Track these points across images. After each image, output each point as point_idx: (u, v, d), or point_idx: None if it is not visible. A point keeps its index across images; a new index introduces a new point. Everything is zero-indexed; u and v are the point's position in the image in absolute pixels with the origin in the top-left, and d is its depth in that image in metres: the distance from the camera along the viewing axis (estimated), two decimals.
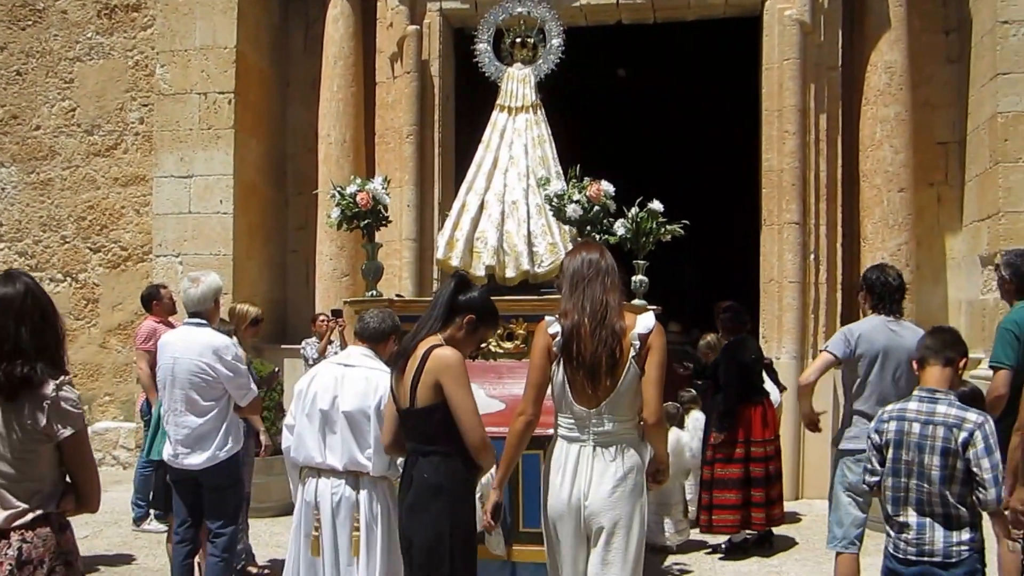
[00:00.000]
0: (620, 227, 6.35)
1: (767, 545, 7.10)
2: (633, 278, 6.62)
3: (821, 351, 5.38)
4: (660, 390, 3.68)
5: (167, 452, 5.22)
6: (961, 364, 3.79)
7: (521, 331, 6.18)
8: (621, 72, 12.16)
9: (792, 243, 8.90)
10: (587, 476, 3.65)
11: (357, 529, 4.25)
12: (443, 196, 9.64)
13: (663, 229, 6.43)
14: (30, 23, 10.99)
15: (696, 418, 7.53)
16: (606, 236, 6.24)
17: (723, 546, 7.11)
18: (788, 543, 7.24)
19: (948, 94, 9.41)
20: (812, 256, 8.96)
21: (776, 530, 7.25)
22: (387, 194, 6.53)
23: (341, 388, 4.35)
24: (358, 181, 6.56)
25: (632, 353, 3.61)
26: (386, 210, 6.55)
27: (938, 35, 9.44)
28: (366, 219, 6.46)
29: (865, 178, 9.14)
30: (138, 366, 7.92)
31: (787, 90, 8.93)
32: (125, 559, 6.90)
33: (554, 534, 3.76)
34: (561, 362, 3.67)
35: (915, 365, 3.89)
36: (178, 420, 5.10)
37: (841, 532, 5.08)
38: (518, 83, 6.89)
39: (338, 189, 6.54)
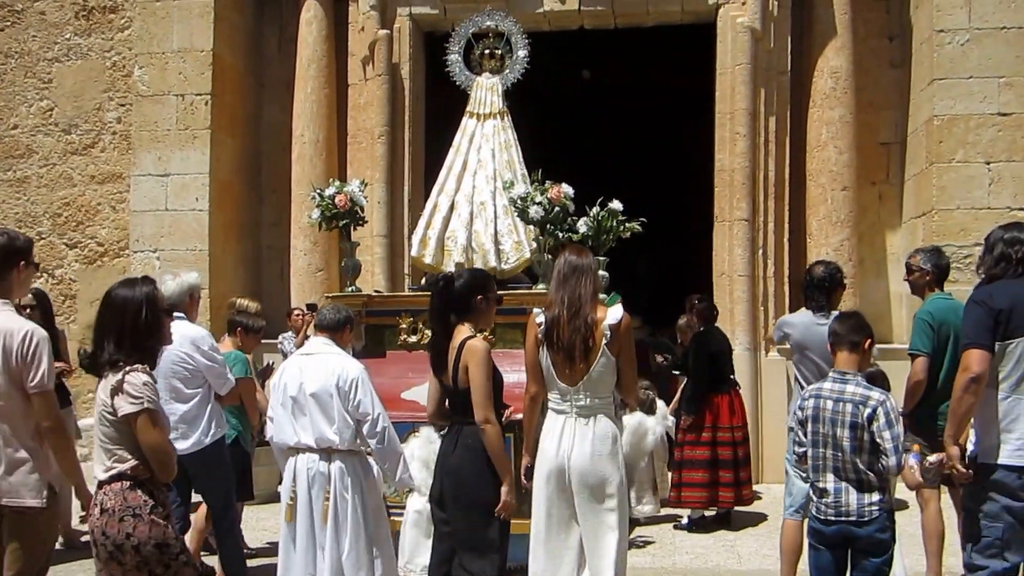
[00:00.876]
0: (583, 225, 6.81)
1: (726, 522, 7.58)
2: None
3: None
4: (633, 370, 4.38)
5: None
6: (866, 345, 4.23)
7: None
8: (586, 73, 12.58)
9: (742, 239, 9.39)
10: (570, 441, 4.24)
11: (327, 499, 4.68)
12: (413, 194, 10.05)
13: (623, 227, 6.90)
14: (8, 24, 11.24)
15: (661, 406, 7.96)
16: (568, 234, 6.69)
17: (685, 520, 7.61)
18: (746, 521, 7.72)
19: (891, 97, 9.93)
20: (761, 251, 9.46)
21: (739, 510, 7.73)
22: (364, 196, 6.96)
23: (305, 375, 4.80)
24: (336, 184, 7.00)
25: (604, 341, 4.19)
26: (362, 211, 7.01)
27: (882, 40, 9.97)
28: (344, 219, 6.92)
29: (811, 177, 9.65)
30: None
31: (739, 94, 9.41)
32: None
33: (543, 492, 4.29)
34: (545, 347, 4.26)
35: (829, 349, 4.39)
36: (165, 408, 5.39)
37: (789, 500, 5.58)
38: (486, 91, 7.45)
39: (318, 191, 6.98)
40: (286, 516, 4.75)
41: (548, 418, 4.38)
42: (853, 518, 4.05)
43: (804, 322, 5.71)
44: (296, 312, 9.28)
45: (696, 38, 10.49)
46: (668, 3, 9.84)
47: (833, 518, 4.10)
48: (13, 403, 3.83)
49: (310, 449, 4.75)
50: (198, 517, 6.01)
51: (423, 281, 7.52)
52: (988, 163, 8.93)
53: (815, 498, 4.20)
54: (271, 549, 6.49)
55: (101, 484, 3.52)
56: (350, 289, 7.10)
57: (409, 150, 10.05)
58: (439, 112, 10.88)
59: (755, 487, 8.87)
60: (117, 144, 11.02)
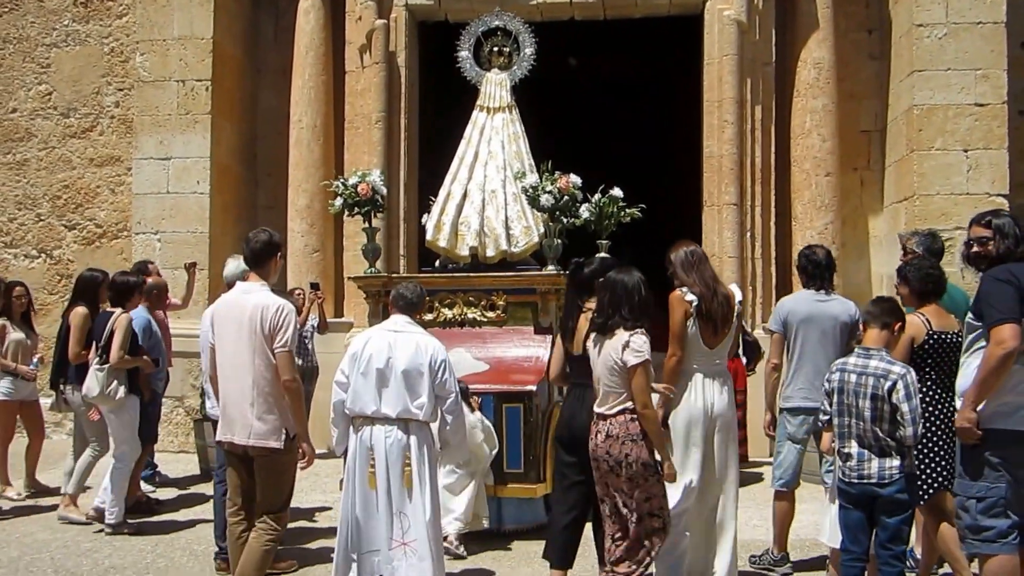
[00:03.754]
0: (585, 211, 7.11)
1: None
2: (596, 255, 7.28)
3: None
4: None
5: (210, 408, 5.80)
6: (896, 328, 4.44)
7: (501, 302, 7.00)
8: (572, 61, 12.60)
9: (731, 222, 9.45)
10: (712, 393, 4.95)
11: (408, 466, 4.92)
12: (408, 178, 10.04)
13: (623, 212, 7.17)
14: (7, 10, 11.07)
15: None
16: (572, 219, 6.97)
17: None
18: None
19: (870, 87, 10.01)
20: (748, 234, 9.52)
21: None
22: (384, 184, 7.23)
23: (394, 351, 5.00)
24: (359, 173, 7.26)
25: (736, 312, 5.05)
26: (383, 199, 7.25)
27: (861, 33, 10.05)
28: (366, 207, 7.17)
29: (795, 164, 9.72)
30: None
31: (726, 83, 9.46)
32: None
33: (686, 436, 4.91)
34: (695, 320, 4.90)
35: (860, 327, 4.50)
36: None
37: (779, 473, 5.73)
38: (495, 86, 7.70)
39: (341, 180, 7.23)
40: (369, 483, 4.90)
41: (692, 380, 4.94)
42: (874, 480, 4.27)
43: (807, 299, 5.74)
44: (298, 291, 9.23)
45: (682, 30, 10.58)
46: None
47: (856, 480, 4.34)
48: (266, 363, 4.65)
49: (388, 419, 4.94)
50: None
51: (436, 263, 7.71)
52: (966, 151, 9.03)
53: (840, 462, 4.39)
54: None
55: (606, 416, 4.52)
56: (370, 271, 7.35)
57: (405, 135, 10.01)
58: (433, 99, 10.90)
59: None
60: (115, 128, 10.90)
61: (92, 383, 6.67)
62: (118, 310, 6.82)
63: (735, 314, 5.04)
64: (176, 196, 10.01)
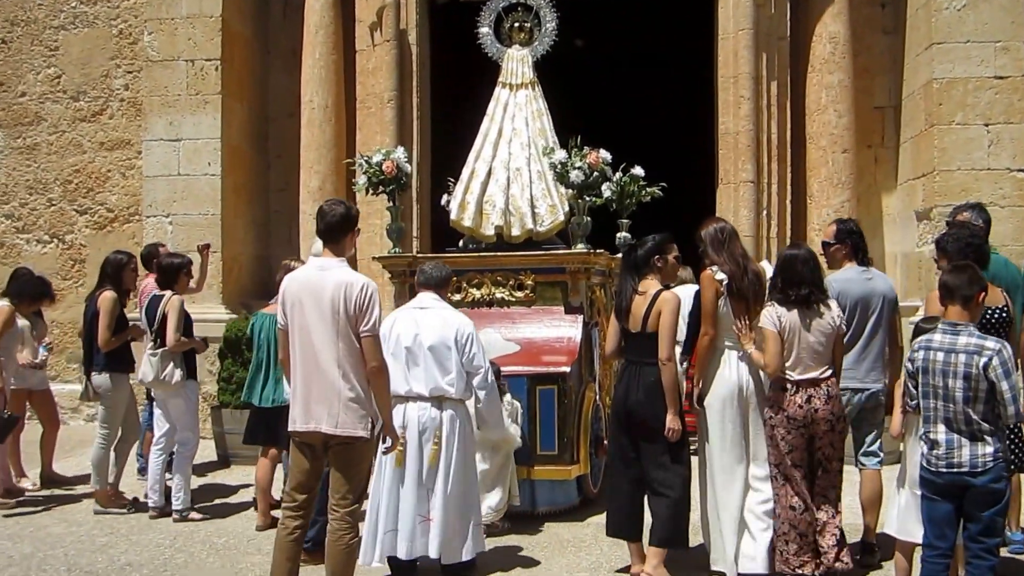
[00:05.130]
0: (606, 190, 6.91)
1: None
2: (618, 235, 6.99)
3: None
4: None
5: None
6: (980, 299, 4.00)
7: (529, 282, 6.69)
8: (578, 43, 12.10)
9: (748, 200, 9.03)
10: (745, 370, 4.88)
11: (437, 444, 4.85)
12: (421, 158, 9.60)
13: (644, 191, 7.01)
14: None
15: None
16: (593, 198, 6.75)
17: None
18: None
19: (884, 62, 9.59)
20: (764, 212, 9.10)
21: None
22: (407, 162, 6.91)
23: (421, 328, 4.96)
24: (383, 151, 6.97)
25: (768, 288, 4.90)
26: (407, 177, 6.99)
27: (875, 8, 9.60)
28: (391, 185, 6.87)
29: (811, 140, 9.30)
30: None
31: (742, 58, 9.02)
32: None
33: (721, 414, 4.83)
34: (726, 298, 4.81)
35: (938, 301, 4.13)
36: None
37: None
38: (517, 63, 7.34)
39: (365, 158, 6.93)
40: (396, 461, 4.82)
41: (724, 356, 4.88)
42: (966, 468, 3.81)
43: (856, 278, 5.35)
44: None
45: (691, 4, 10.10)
46: None
47: (944, 469, 3.86)
48: (350, 346, 4.19)
49: (421, 398, 4.90)
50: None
51: (460, 243, 7.36)
52: (987, 125, 8.62)
53: (926, 450, 3.94)
54: None
55: (819, 381, 4.74)
56: (394, 250, 7.06)
57: (417, 114, 9.56)
58: (444, 79, 10.43)
59: None
60: (125, 111, 10.42)
61: (147, 368, 6.39)
62: (168, 293, 6.53)
63: (766, 291, 4.91)
64: (187, 178, 9.56)
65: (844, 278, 5.41)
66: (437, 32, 9.98)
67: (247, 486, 7.32)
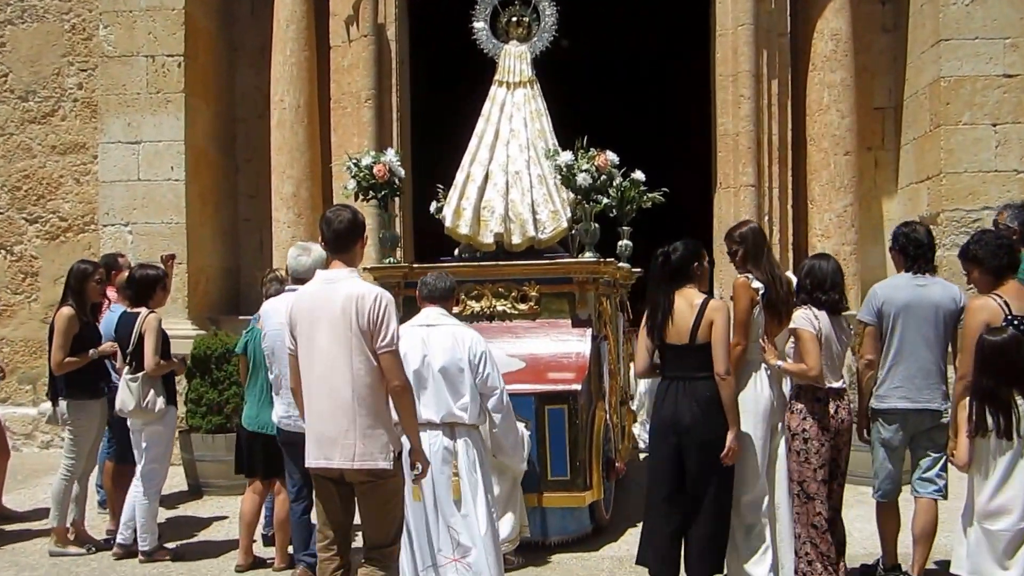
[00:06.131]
0: (603, 197, 6.46)
1: None
2: (619, 243, 6.83)
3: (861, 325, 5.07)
4: None
5: (278, 416, 5.06)
6: None
7: (534, 293, 6.22)
8: (564, 43, 11.56)
9: (749, 205, 8.55)
10: (770, 384, 4.64)
11: (456, 475, 4.45)
12: (402, 160, 8.89)
13: (644, 197, 6.66)
14: None
15: None
16: (593, 204, 6.35)
17: None
18: None
19: (884, 61, 9.19)
20: (767, 218, 8.63)
21: None
22: (400, 166, 6.48)
23: (429, 348, 4.52)
24: (372, 153, 6.56)
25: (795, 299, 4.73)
26: (401, 181, 6.51)
27: (875, 5, 9.19)
28: (383, 190, 6.42)
29: (812, 142, 8.85)
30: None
31: (742, 55, 8.54)
32: None
33: (753, 429, 4.51)
34: (761, 308, 4.57)
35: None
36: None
37: (877, 483, 4.96)
38: (515, 59, 6.88)
39: (354, 161, 6.47)
40: (414, 495, 4.37)
41: (757, 368, 4.60)
42: None
43: (906, 285, 4.86)
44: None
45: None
46: None
47: None
48: (366, 365, 3.75)
49: (431, 425, 4.47)
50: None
51: (455, 252, 6.86)
52: (995, 125, 8.24)
53: None
54: None
55: (843, 392, 4.70)
56: (388, 260, 6.57)
57: (397, 115, 8.91)
58: (424, 77, 9.83)
59: None
60: (79, 112, 9.62)
61: (126, 396, 5.67)
62: (143, 310, 5.81)
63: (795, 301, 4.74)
64: (148, 184, 8.81)
65: (890, 284, 5.00)
66: (416, 27, 9.38)
67: (221, 518, 6.73)
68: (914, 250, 4.91)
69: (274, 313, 5.08)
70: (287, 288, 5.29)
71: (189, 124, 8.80)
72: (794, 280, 4.82)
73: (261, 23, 9.33)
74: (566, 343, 6.07)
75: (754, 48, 8.50)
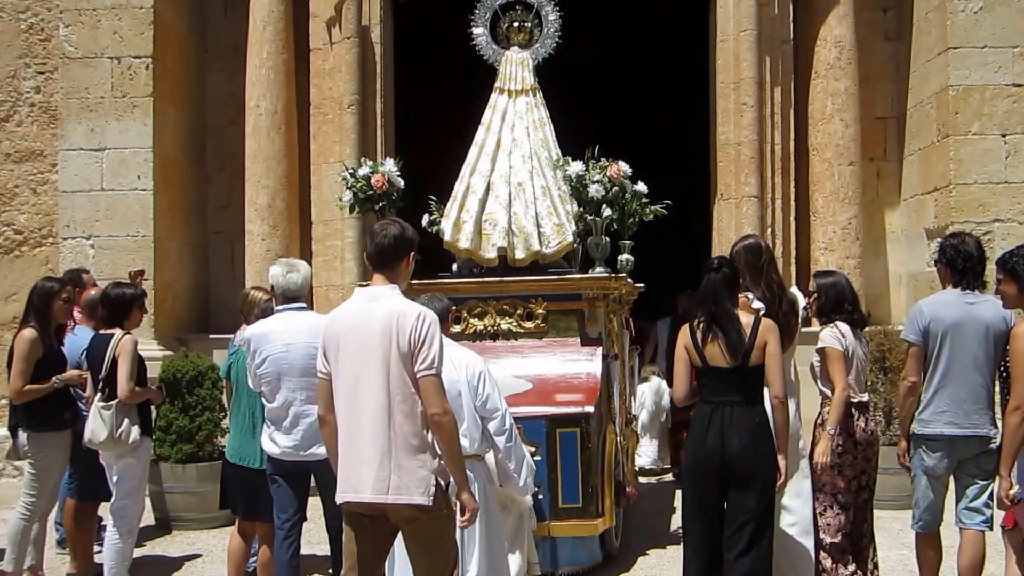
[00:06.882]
0: (605, 208, 6.16)
1: None
2: (619, 257, 6.46)
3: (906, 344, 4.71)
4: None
5: (279, 447, 4.64)
6: None
7: (540, 310, 5.89)
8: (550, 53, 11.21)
9: (751, 217, 8.19)
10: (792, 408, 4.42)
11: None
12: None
13: (646, 210, 6.32)
14: None
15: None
16: (593, 216, 6.09)
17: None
18: None
19: (887, 70, 8.91)
20: (769, 230, 8.27)
21: None
22: (399, 177, 6.15)
23: None
24: (370, 163, 6.23)
25: (800, 319, 4.53)
26: (400, 192, 6.17)
27: (877, 13, 8.92)
28: (380, 202, 6.11)
29: (815, 152, 8.53)
30: None
31: (744, 62, 8.19)
32: None
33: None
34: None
35: None
36: (298, 411, 4.58)
37: (917, 514, 4.63)
38: (517, 66, 6.56)
39: (350, 171, 6.18)
40: None
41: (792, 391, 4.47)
42: None
43: (955, 302, 4.50)
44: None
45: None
46: None
47: None
48: (404, 391, 3.43)
49: None
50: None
51: (454, 268, 6.48)
52: (1004, 135, 7.97)
53: None
54: None
55: (867, 405, 4.65)
56: None
57: (381, 122, 8.43)
58: (409, 83, 9.38)
59: None
60: (36, 117, 8.98)
61: (97, 426, 5.10)
62: (117, 331, 5.28)
63: (799, 321, 4.55)
64: (112, 194, 8.23)
65: (938, 301, 4.61)
66: (401, 30, 8.94)
67: (194, 557, 6.19)
68: (963, 264, 4.55)
69: (272, 335, 4.65)
70: (277, 308, 4.86)
71: (157, 130, 8.26)
72: (799, 297, 4.63)
73: (235, 24, 8.83)
74: (575, 363, 5.74)
75: (757, 55, 8.16)
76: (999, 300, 4.47)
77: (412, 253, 3.68)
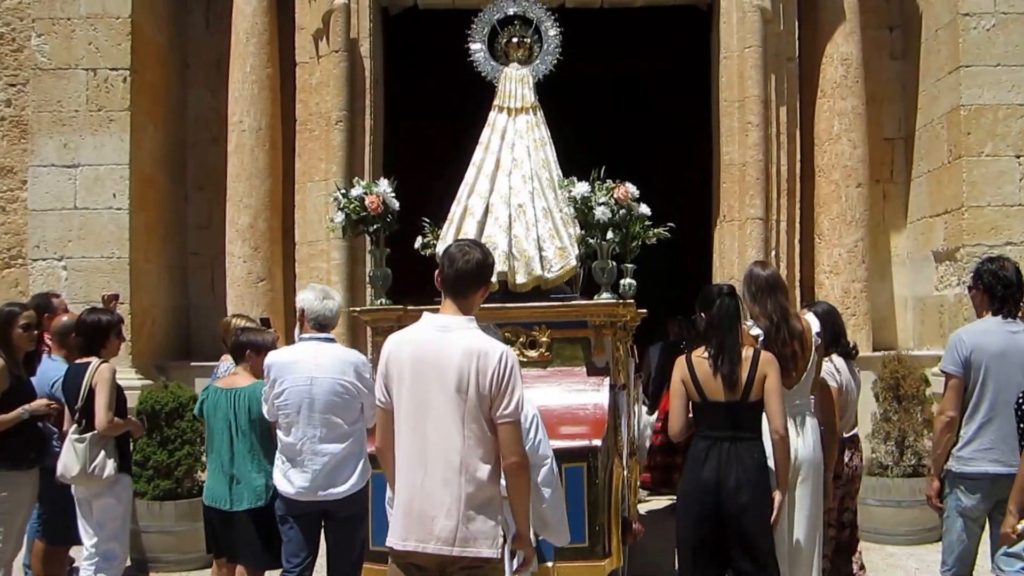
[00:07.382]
0: (610, 231, 5.82)
1: None
2: (622, 281, 6.14)
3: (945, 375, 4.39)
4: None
5: (294, 486, 4.41)
6: None
7: (544, 339, 5.53)
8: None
9: (756, 240, 7.86)
10: (791, 436, 4.15)
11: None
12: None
13: (649, 232, 6.02)
14: None
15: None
16: (599, 239, 5.73)
17: None
18: None
19: (893, 90, 8.67)
20: (774, 253, 7.97)
21: None
22: (395, 198, 5.77)
23: None
24: (363, 183, 5.86)
25: (814, 346, 4.27)
26: (395, 215, 5.79)
27: (882, 31, 8.69)
28: (375, 224, 5.71)
29: (821, 173, 8.25)
30: None
31: (749, 80, 7.89)
32: None
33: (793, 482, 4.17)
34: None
35: None
36: (315, 448, 4.39)
37: (948, 559, 4.36)
38: (516, 83, 6.19)
39: (342, 192, 5.83)
40: None
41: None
42: None
43: (998, 331, 4.21)
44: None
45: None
46: None
47: None
48: (480, 435, 3.22)
49: None
50: None
51: None
52: (1018, 156, 7.71)
53: None
54: None
55: (856, 439, 4.85)
56: (380, 302, 5.73)
57: (370, 139, 8.06)
58: (397, 99, 9.04)
59: None
60: (6, 132, 8.58)
61: (69, 459, 4.80)
62: (94, 360, 4.97)
63: (813, 347, 4.30)
64: (86, 213, 7.80)
65: (979, 330, 4.33)
66: (390, 44, 8.61)
67: None
68: (1003, 291, 4.28)
69: (298, 365, 4.46)
70: (302, 336, 4.64)
71: (135, 146, 7.85)
72: (815, 326, 4.40)
73: (217, 36, 8.46)
74: (581, 393, 5.38)
75: (763, 72, 7.87)
76: None
77: (489, 284, 3.47)
